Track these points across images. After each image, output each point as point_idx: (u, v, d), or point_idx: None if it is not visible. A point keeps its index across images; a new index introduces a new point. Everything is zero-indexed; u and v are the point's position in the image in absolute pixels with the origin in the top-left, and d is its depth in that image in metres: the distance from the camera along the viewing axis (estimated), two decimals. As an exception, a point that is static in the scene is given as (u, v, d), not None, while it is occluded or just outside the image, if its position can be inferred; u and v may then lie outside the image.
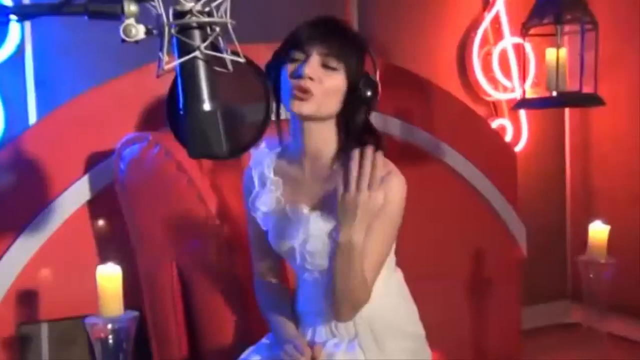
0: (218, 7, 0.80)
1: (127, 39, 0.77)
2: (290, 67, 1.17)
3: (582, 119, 2.74)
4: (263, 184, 1.24)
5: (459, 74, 2.58)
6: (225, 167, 1.47)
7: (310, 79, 1.14)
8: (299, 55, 1.17)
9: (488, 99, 2.61)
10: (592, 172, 2.74)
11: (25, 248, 1.71)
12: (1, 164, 1.71)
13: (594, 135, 2.73)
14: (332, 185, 1.15)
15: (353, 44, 1.18)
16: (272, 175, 1.24)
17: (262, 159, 1.25)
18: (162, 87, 0.88)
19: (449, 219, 2.12)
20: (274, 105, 1.17)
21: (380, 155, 1.09)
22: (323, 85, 1.15)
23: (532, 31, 1.78)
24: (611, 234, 1.75)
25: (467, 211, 2.19)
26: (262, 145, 1.25)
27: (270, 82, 1.17)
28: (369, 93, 1.17)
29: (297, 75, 1.15)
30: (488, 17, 2.56)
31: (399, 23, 2.47)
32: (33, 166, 1.71)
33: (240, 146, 0.87)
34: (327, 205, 1.17)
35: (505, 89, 2.61)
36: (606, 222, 1.76)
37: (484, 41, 2.57)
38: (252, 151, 1.25)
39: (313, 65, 1.15)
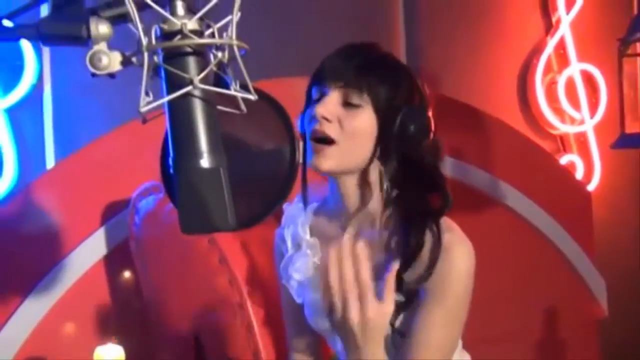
0: (225, 27, 0.58)
1: (94, 70, 0.56)
2: (309, 109, 0.94)
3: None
4: (297, 246, 1.01)
5: (520, 105, 2.32)
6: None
7: (326, 119, 0.90)
8: (317, 93, 0.94)
9: (554, 132, 2.35)
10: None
11: (37, 306, 1.56)
12: (14, 212, 1.59)
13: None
14: (382, 254, 0.92)
15: (381, 70, 0.92)
16: (307, 236, 1.00)
17: (296, 215, 1.02)
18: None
19: (514, 272, 1.88)
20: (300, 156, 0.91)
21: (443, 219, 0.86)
22: (344, 128, 0.90)
23: (629, 50, 1.49)
24: None
25: (535, 262, 1.94)
26: (296, 199, 1.02)
27: (301, 131, 0.95)
28: (411, 129, 0.90)
29: (311, 119, 0.91)
30: (552, 42, 2.31)
31: (451, 50, 2.24)
32: (47, 215, 1.58)
33: (254, 214, 0.64)
34: (375, 277, 0.92)
35: (573, 121, 2.35)
36: None
37: (548, 68, 2.32)
38: (285, 206, 1.02)
39: (328, 103, 0.90)
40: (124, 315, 1.58)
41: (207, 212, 0.57)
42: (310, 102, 0.96)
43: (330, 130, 0.91)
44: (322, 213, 1.02)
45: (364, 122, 0.91)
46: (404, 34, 2.20)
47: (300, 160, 0.76)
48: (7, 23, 0.60)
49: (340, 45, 0.97)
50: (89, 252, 1.57)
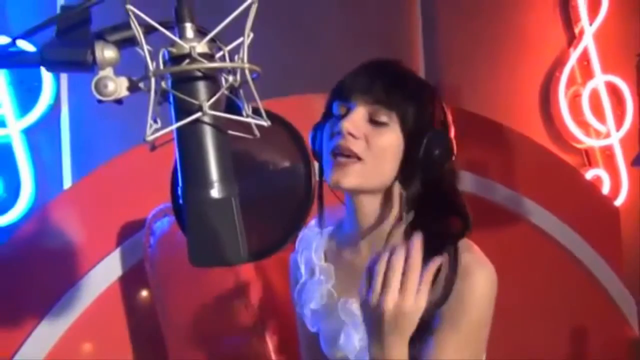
0: (237, 49, 0.56)
1: (100, 97, 0.54)
2: (331, 124, 0.90)
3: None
4: (312, 272, 0.97)
5: (543, 118, 2.27)
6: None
7: (352, 136, 0.86)
8: (342, 109, 0.90)
9: (579, 146, 2.29)
10: None
11: (54, 327, 1.53)
12: (31, 232, 1.57)
13: None
14: None
15: (410, 89, 0.89)
16: (322, 261, 0.96)
17: (311, 240, 0.98)
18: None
19: (539, 292, 1.81)
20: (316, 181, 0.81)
21: (463, 242, 0.82)
22: (370, 145, 0.87)
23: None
24: None
25: (561, 281, 1.88)
26: (312, 222, 0.98)
27: (316, 149, 0.92)
28: (436, 152, 0.87)
29: (335, 132, 0.88)
30: (575, 54, 2.26)
31: (471, 63, 2.20)
32: (63, 236, 1.56)
33: (268, 245, 0.61)
34: None
35: (598, 135, 2.28)
36: None
37: (571, 81, 2.27)
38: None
39: (356, 119, 0.87)
40: (139, 337, 1.56)
41: (218, 244, 0.54)
42: (329, 117, 0.93)
43: (357, 147, 0.87)
44: (337, 237, 0.98)
45: (391, 140, 0.88)
46: (422, 49, 2.17)
47: (316, 182, 0.72)
48: (21, 44, 0.58)
49: (361, 61, 0.95)
50: (105, 273, 1.55)
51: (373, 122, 0.88)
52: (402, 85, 0.89)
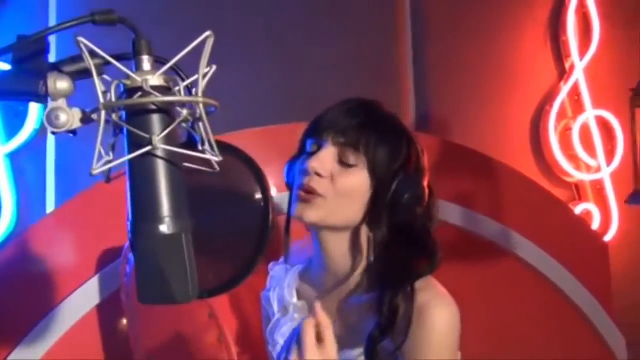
0: (194, 85, 0.55)
1: (52, 129, 0.53)
2: (302, 161, 0.91)
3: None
4: (284, 310, 0.95)
5: (534, 152, 2.26)
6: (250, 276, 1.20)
7: (319, 175, 0.87)
8: (314, 147, 0.90)
9: (569, 180, 2.27)
10: None
11: (28, 355, 1.50)
12: (9, 257, 1.56)
13: None
14: (363, 319, 0.87)
15: (383, 133, 0.89)
16: (295, 299, 0.95)
17: (282, 278, 0.97)
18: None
19: (526, 327, 1.79)
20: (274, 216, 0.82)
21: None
22: (335, 185, 0.87)
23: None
24: None
25: (549, 317, 1.85)
26: (281, 259, 0.97)
27: (289, 182, 0.92)
28: (405, 198, 0.87)
29: (303, 171, 0.88)
30: (565, 88, 2.26)
31: (462, 95, 2.21)
32: (41, 262, 1.54)
33: (225, 281, 0.59)
34: (355, 341, 0.87)
35: (589, 169, 2.27)
36: None
37: (562, 115, 2.26)
38: (271, 267, 0.97)
39: (324, 158, 0.87)
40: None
41: (166, 282, 0.52)
42: (303, 152, 0.92)
43: (321, 186, 0.87)
44: (307, 275, 0.97)
45: (358, 182, 0.88)
46: (412, 80, 2.17)
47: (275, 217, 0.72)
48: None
49: (350, 92, 0.95)
50: (82, 301, 1.52)
51: (341, 162, 0.87)
52: (375, 128, 0.89)
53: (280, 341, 0.94)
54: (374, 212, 0.88)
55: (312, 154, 0.90)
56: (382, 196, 0.87)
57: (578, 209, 2.24)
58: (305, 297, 0.96)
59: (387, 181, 0.87)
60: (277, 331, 0.95)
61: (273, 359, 0.98)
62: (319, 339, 0.78)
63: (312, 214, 0.87)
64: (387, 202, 0.87)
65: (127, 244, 1.40)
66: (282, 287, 0.96)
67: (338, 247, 0.91)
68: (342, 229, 0.90)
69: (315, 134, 0.90)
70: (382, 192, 0.87)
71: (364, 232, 0.90)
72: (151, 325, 1.31)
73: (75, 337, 1.52)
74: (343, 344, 0.89)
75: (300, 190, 0.88)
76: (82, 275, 1.54)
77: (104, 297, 1.52)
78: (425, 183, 0.91)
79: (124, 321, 1.51)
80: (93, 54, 0.52)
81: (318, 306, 0.80)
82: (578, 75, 2.26)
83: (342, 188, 0.87)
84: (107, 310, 1.53)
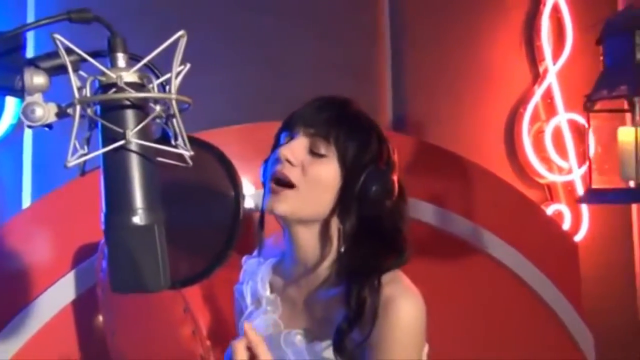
0: (168, 82, 0.57)
1: (28, 122, 0.54)
2: (275, 152, 0.93)
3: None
4: (257, 302, 0.98)
5: (507, 153, 2.31)
6: (225, 270, 1.22)
7: (289, 162, 0.89)
8: (286, 139, 0.93)
9: (541, 181, 2.32)
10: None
11: (3, 349, 1.50)
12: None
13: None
14: (332, 311, 0.89)
15: (353, 126, 0.92)
16: (267, 292, 0.97)
17: (255, 271, 0.99)
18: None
19: (497, 324, 1.83)
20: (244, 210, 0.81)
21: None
22: (306, 174, 0.89)
23: (598, 106, 1.49)
24: None
25: (519, 314, 1.90)
26: (255, 253, 0.99)
27: (264, 183, 0.94)
28: (373, 190, 0.89)
29: (273, 160, 0.91)
30: (539, 91, 2.31)
31: (438, 97, 2.24)
32: (17, 257, 1.53)
33: (196, 272, 0.61)
34: (324, 333, 0.90)
35: (560, 170, 2.32)
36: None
37: (535, 117, 2.31)
38: (244, 260, 0.99)
39: (295, 147, 0.90)
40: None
41: (139, 271, 0.54)
42: (277, 147, 0.95)
43: (292, 173, 0.89)
44: (280, 270, 0.99)
45: (328, 172, 0.90)
46: (390, 82, 2.21)
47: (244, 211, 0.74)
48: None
49: (328, 92, 0.98)
50: (58, 296, 1.52)
51: (312, 152, 0.90)
52: (345, 122, 0.92)
53: None
54: (343, 203, 0.90)
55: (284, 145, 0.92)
56: (351, 187, 0.89)
57: (550, 210, 2.29)
58: (277, 289, 0.98)
59: (357, 172, 0.89)
60: (250, 323, 0.97)
61: None
62: (252, 356, 0.82)
63: (283, 206, 0.89)
64: (356, 194, 0.89)
65: (103, 240, 1.41)
66: (255, 280, 0.98)
67: (308, 239, 0.93)
68: (313, 221, 0.92)
69: (288, 127, 0.93)
70: (351, 183, 0.89)
71: (334, 223, 0.92)
72: (126, 320, 1.32)
73: (50, 332, 1.51)
74: (312, 336, 0.91)
75: (272, 180, 0.90)
76: (58, 271, 1.53)
77: (79, 292, 1.52)
78: (395, 178, 0.93)
79: (100, 317, 1.51)
80: (69, 51, 0.54)
81: (247, 326, 0.84)
82: (551, 79, 2.31)
83: (312, 177, 0.89)
84: (83, 305, 1.53)
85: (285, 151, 0.89)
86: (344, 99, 0.96)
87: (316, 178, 0.89)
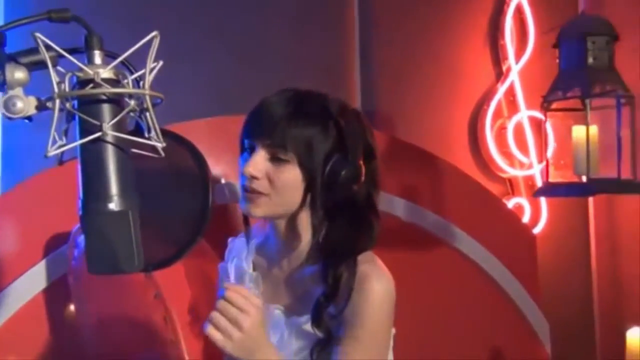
0: (142, 78, 0.61)
1: (9, 115, 0.58)
2: (243, 159, 1.01)
3: (609, 201, 2.50)
4: (240, 279, 1.05)
5: (471, 149, 2.38)
6: (196, 257, 1.26)
7: (255, 178, 0.97)
8: (250, 145, 1.00)
9: (503, 175, 2.40)
10: (621, 261, 2.46)
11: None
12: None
13: (623, 218, 2.47)
14: (310, 289, 0.98)
15: (307, 124, 0.97)
16: (251, 270, 1.05)
17: (240, 250, 1.08)
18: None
19: (459, 312, 1.90)
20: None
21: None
22: (272, 182, 0.97)
23: (554, 105, 1.57)
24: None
25: (481, 303, 1.97)
26: (241, 234, 1.08)
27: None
28: (341, 176, 0.96)
29: (241, 172, 0.99)
30: (502, 89, 2.39)
31: (406, 94, 2.31)
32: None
33: (168, 256, 0.66)
34: (303, 308, 0.97)
35: (522, 166, 2.41)
36: (646, 327, 1.49)
37: (498, 114, 2.39)
38: (229, 241, 1.07)
39: (257, 162, 0.97)
40: (61, 351, 1.54)
41: (114, 254, 0.59)
42: (244, 147, 1.01)
43: (260, 186, 0.97)
44: (263, 249, 1.07)
45: (292, 175, 0.97)
46: (359, 80, 2.26)
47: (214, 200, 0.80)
48: None
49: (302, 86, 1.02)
50: (28, 285, 1.53)
51: (274, 159, 0.96)
52: (298, 123, 0.96)
53: None
54: (312, 196, 0.98)
55: (250, 151, 0.99)
56: (314, 181, 0.96)
57: (511, 203, 2.37)
58: (260, 268, 1.07)
59: (318, 169, 0.96)
60: None
61: None
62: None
63: (258, 210, 0.98)
64: (322, 185, 0.96)
65: (74, 229, 1.43)
66: (240, 258, 1.07)
67: (287, 228, 1.02)
68: (287, 215, 1.00)
69: (248, 136, 1.00)
70: (314, 177, 0.96)
71: (307, 212, 1.00)
72: (98, 306, 1.35)
73: (20, 321, 1.52)
74: (292, 311, 0.99)
75: (244, 190, 0.98)
76: (28, 260, 1.54)
77: (50, 282, 1.54)
78: (360, 161, 0.99)
79: (71, 306, 1.53)
80: (48, 48, 0.58)
81: (227, 284, 0.92)
82: (514, 77, 2.39)
83: (279, 184, 0.96)
84: (54, 295, 1.54)
85: (249, 169, 0.96)
86: (293, 94, 1.00)
87: (283, 184, 0.96)
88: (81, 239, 1.39)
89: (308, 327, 0.95)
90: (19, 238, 1.57)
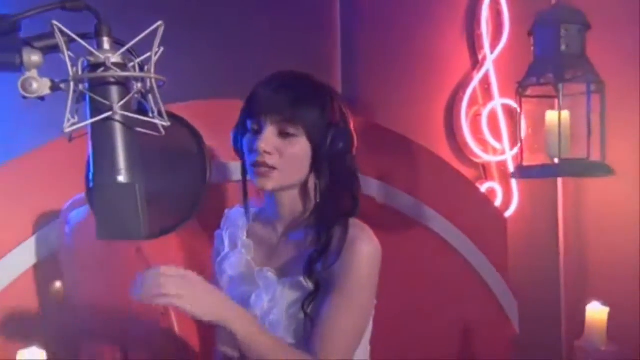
0: (147, 61, 0.67)
1: (25, 94, 0.64)
2: (248, 138, 1.08)
3: (576, 186, 2.61)
4: (234, 245, 1.15)
5: (447, 135, 2.47)
6: (186, 233, 1.32)
7: (267, 152, 1.05)
8: (254, 125, 1.08)
9: (477, 161, 2.49)
10: (587, 244, 2.58)
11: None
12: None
13: (589, 203, 2.59)
14: (303, 250, 1.07)
15: (311, 100, 1.08)
16: (244, 236, 1.14)
17: (236, 219, 1.17)
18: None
19: (433, 290, 2.00)
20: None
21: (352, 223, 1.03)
22: (283, 156, 1.06)
23: (529, 91, 1.66)
24: (611, 316, 1.59)
25: (453, 282, 2.07)
26: (237, 206, 1.17)
27: (238, 148, 1.11)
28: (340, 145, 1.07)
29: (253, 150, 1.06)
30: (477, 77, 2.47)
31: (386, 81, 2.38)
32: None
33: (167, 226, 0.72)
34: (296, 270, 1.06)
35: (495, 151, 2.50)
36: (605, 303, 1.60)
37: (473, 101, 2.47)
38: (226, 211, 1.16)
39: (268, 138, 1.06)
40: (50, 324, 1.59)
41: (122, 222, 0.65)
42: (245, 127, 1.08)
43: (272, 160, 1.05)
44: (259, 219, 1.15)
45: (301, 147, 1.06)
46: (340, 66, 2.32)
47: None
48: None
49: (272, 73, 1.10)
50: (18, 261, 1.56)
51: (283, 134, 1.04)
52: (304, 99, 1.07)
53: (228, 270, 1.12)
54: (317, 164, 1.07)
55: (256, 131, 1.07)
56: (321, 151, 1.06)
57: (484, 187, 2.47)
58: (255, 235, 1.15)
59: (323, 139, 1.06)
60: (226, 262, 1.13)
61: (219, 287, 1.14)
62: None
63: (270, 183, 1.06)
64: (326, 153, 1.06)
65: (65, 205, 1.48)
66: (236, 227, 1.15)
67: (290, 198, 1.11)
68: (295, 186, 1.10)
69: (254, 115, 1.08)
70: (320, 148, 1.06)
71: (311, 180, 1.10)
72: (90, 282, 1.40)
73: (11, 295, 1.54)
74: (284, 272, 1.07)
75: (254, 165, 1.06)
76: (17, 237, 1.56)
77: (40, 258, 1.57)
78: (352, 127, 1.10)
79: (60, 283, 1.57)
80: (61, 33, 0.63)
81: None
82: (489, 66, 2.47)
83: (289, 157, 1.06)
84: (44, 271, 1.57)
85: (261, 144, 1.04)
86: (296, 75, 1.11)
87: (292, 157, 1.06)
88: (72, 215, 1.43)
89: (300, 281, 1.04)
90: (9, 215, 1.59)
